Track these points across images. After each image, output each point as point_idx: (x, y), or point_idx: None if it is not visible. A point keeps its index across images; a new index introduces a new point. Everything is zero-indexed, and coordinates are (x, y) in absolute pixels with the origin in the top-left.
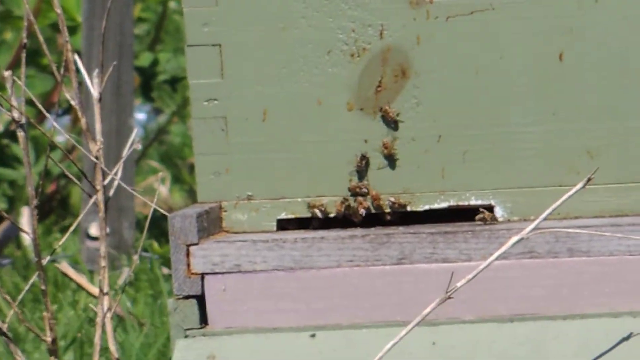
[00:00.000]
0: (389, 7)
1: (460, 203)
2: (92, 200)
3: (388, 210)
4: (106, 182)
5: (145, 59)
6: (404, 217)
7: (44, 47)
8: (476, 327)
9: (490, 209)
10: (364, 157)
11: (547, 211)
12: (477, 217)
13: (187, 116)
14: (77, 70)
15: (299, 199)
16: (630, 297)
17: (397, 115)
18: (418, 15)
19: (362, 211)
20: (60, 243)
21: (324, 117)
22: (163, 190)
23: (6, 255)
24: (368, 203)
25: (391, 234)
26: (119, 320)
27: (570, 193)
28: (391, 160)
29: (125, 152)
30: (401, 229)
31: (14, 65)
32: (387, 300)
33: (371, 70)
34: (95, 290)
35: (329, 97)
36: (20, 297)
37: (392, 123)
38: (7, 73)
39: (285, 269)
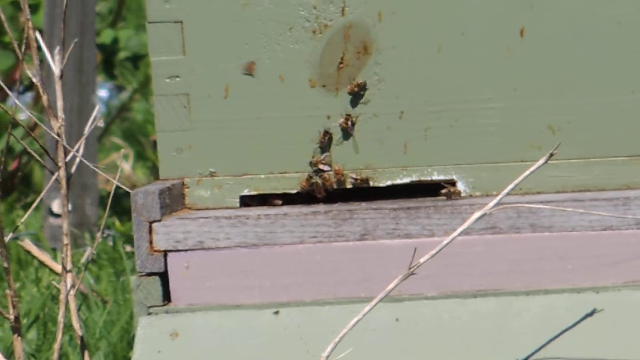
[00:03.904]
0: None
1: (423, 178)
2: (54, 177)
3: (350, 186)
4: (68, 159)
5: (106, 36)
6: (366, 193)
7: (6, 25)
8: (439, 303)
9: (452, 184)
10: (326, 133)
11: (510, 186)
12: (442, 191)
13: (150, 93)
14: (39, 48)
15: (262, 176)
16: (593, 273)
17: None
18: None
19: (331, 186)
20: (23, 220)
21: (286, 93)
22: (126, 167)
23: None
24: (333, 181)
25: (354, 210)
26: (82, 298)
27: (532, 168)
28: (350, 133)
29: (87, 129)
30: (364, 204)
31: None
32: (350, 277)
33: (333, 46)
34: (58, 267)
35: (291, 74)
36: None
37: (359, 94)
38: None
39: (249, 245)
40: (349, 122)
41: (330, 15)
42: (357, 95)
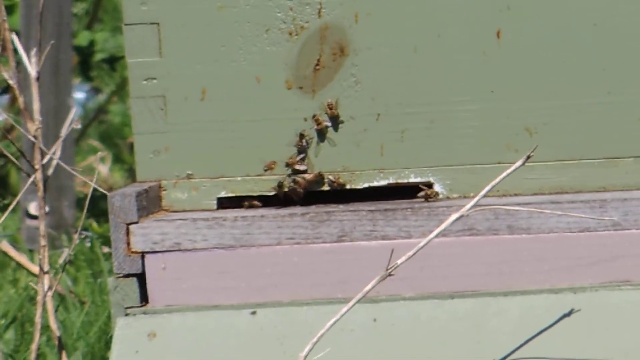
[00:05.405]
0: None
1: (400, 181)
2: (31, 180)
3: (327, 188)
4: (45, 161)
5: (83, 38)
6: (343, 195)
7: None
8: (417, 304)
9: (429, 186)
10: (303, 136)
11: (487, 188)
12: (420, 194)
13: (127, 95)
14: (15, 50)
15: (239, 178)
16: (570, 273)
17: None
18: None
19: (305, 188)
20: (0, 222)
21: (263, 95)
22: (103, 169)
23: None
24: (305, 183)
25: (331, 212)
26: (60, 299)
27: (510, 170)
28: (324, 135)
29: (64, 131)
30: (341, 206)
31: None
32: (327, 278)
33: (309, 48)
34: (35, 269)
35: (267, 76)
36: None
37: (337, 115)
38: None
39: (226, 247)
40: (322, 124)
41: (306, 16)
42: (337, 117)
